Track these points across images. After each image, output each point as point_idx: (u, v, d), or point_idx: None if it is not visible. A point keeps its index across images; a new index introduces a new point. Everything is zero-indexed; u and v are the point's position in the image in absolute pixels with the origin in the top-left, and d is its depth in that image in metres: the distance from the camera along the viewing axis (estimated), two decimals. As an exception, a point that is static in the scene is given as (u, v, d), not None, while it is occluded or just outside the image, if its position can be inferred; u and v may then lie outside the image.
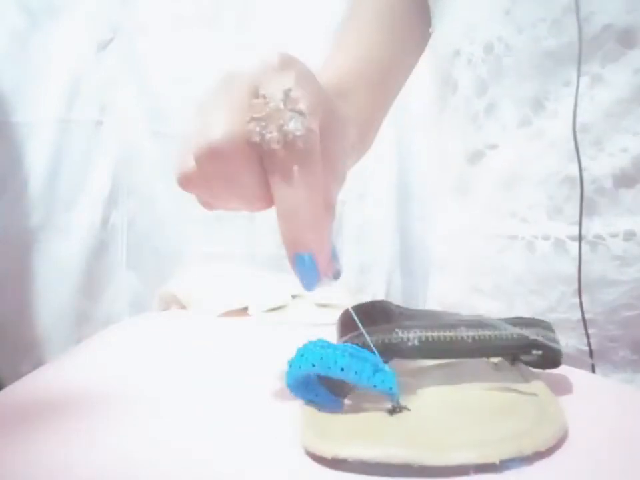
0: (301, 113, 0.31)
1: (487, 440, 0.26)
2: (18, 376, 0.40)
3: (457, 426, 0.28)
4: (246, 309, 0.63)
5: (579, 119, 0.46)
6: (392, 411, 0.29)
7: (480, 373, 0.35)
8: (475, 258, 0.55)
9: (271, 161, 0.31)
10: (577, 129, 0.46)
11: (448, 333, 0.34)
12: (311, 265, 0.31)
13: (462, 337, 0.34)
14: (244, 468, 0.27)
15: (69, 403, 0.34)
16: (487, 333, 0.34)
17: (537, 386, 0.33)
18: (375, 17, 0.59)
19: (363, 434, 0.28)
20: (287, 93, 0.31)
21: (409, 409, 0.29)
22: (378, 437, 0.27)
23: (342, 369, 0.29)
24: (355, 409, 0.31)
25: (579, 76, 0.46)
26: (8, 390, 0.38)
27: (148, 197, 1.23)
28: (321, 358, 0.30)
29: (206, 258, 1.20)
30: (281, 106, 0.31)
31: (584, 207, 0.46)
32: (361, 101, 0.54)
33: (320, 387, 0.31)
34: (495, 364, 0.37)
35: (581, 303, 0.47)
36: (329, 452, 0.26)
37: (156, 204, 1.23)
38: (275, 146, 0.31)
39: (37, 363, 0.47)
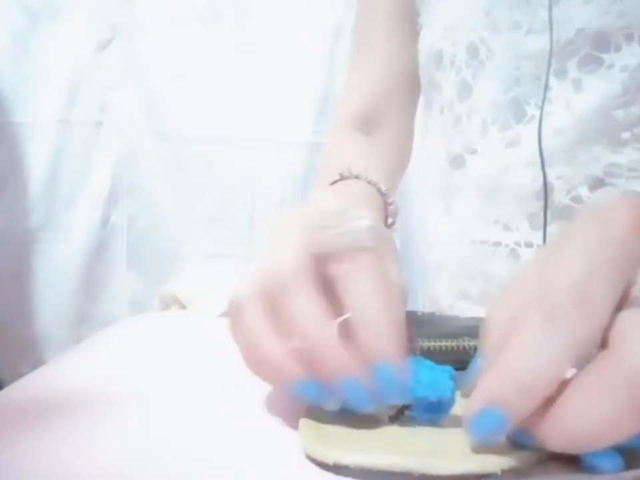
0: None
1: (488, 450, 0.26)
2: (18, 376, 0.40)
3: (458, 435, 0.28)
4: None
5: (553, 125, 0.47)
6: (394, 418, 0.29)
7: None
8: (463, 264, 0.55)
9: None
10: (550, 135, 0.47)
11: (450, 343, 0.34)
12: (390, 376, 0.27)
13: (464, 347, 0.34)
14: (244, 468, 0.27)
15: (68, 402, 0.34)
16: None
17: None
18: (391, 21, 0.61)
19: (364, 440, 0.28)
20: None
21: (412, 414, 0.29)
22: (379, 444, 0.27)
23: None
24: (357, 414, 0.31)
25: (546, 83, 0.46)
26: (8, 390, 0.38)
27: (148, 197, 1.23)
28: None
29: (206, 258, 1.20)
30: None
31: (563, 215, 0.47)
32: (397, 123, 0.60)
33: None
34: None
35: None
36: (330, 458, 0.26)
37: (156, 204, 1.23)
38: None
39: (37, 363, 0.47)
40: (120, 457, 0.27)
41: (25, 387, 0.38)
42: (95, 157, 1.22)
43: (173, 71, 1.20)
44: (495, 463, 0.25)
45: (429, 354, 0.33)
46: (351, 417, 0.30)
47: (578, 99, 0.46)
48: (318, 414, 0.30)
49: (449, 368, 0.29)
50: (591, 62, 0.45)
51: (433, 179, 0.60)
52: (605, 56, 0.45)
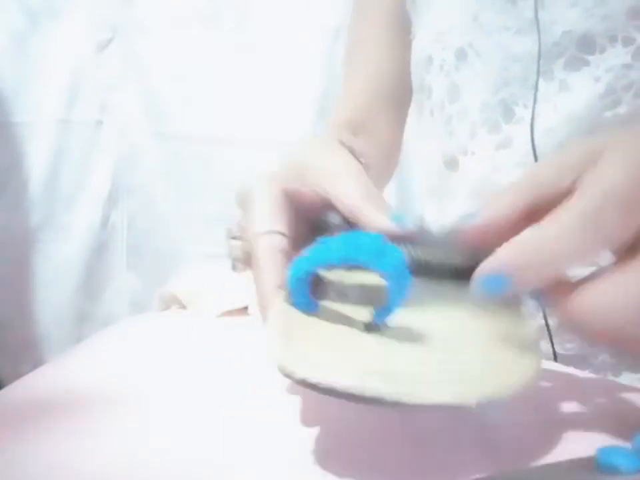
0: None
1: (465, 376, 0.25)
2: (18, 376, 0.40)
3: (436, 355, 0.26)
4: (246, 308, 0.63)
5: (543, 125, 0.47)
6: (369, 327, 0.27)
7: (471, 301, 0.31)
8: None
9: None
10: (541, 134, 0.47)
11: (439, 256, 0.31)
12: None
13: (454, 261, 0.30)
14: (244, 468, 0.27)
15: (68, 402, 0.34)
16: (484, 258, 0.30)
17: (526, 325, 0.29)
18: (382, 30, 0.61)
19: (336, 355, 0.26)
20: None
21: (387, 326, 0.27)
22: (352, 362, 0.25)
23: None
24: (330, 318, 0.28)
25: (537, 84, 0.47)
26: (8, 390, 0.38)
27: (148, 197, 1.23)
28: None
29: (206, 258, 1.20)
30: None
31: None
32: (383, 133, 0.60)
33: (308, 288, 0.28)
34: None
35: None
36: (298, 374, 0.24)
37: (156, 204, 1.23)
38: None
39: (37, 363, 0.47)
40: (120, 456, 0.27)
41: (25, 387, 0.38)
42: (95, 157, 1.22)
43: (173, 70, 1.20)
44: (471, 392, 0.23)
45: (416, 262, 0.30)
46: (324, 321, 0.28)
47: (565, 99, 0.47)
48: (290, 319, 0.28)
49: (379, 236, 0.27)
50: (577, 63, 0.46)
51: (428, 181, 0.60)
52: (590, 57, 0.46)
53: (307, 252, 0.28)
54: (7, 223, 1.19)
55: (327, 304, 0.29)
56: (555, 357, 0.48)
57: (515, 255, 0.25)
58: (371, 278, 0.29)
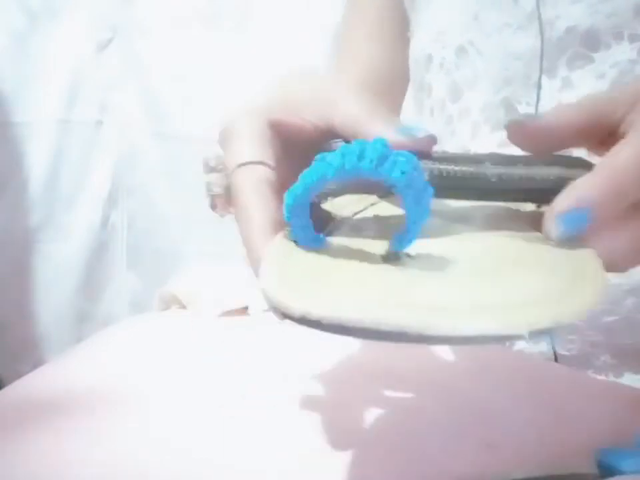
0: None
1: (512, 302, 0.20)
2: (18, 376, 0.40)
3: (474, 283, 0.22)
4: (246, 308, 0.63)
5: None
6: (387, 257, 0.23)
7: (507, 220, 0.28)
8: None
9: None
10: None
11: (468, 168, 0.27)
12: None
13: (485, 174, 0.27)
14: (244, 468, 0.27)
15: (68, 402, 0.34)
16: (518, 171, 0.27)
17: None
18: (374, 28, 0.61)
19: (344, 287, 0.21)
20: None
21: (410, 256, 0.23)
22: (366, 294, 0.21)
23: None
24: (339, 253, 0.24)
25: (539, 82, 0.47)
26: (8, 390, 0.38)
27: (148, 197, 1.23)
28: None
29: (206, 258, 1.19)
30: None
31: None
32: None
33: (309, 216, 0.24)
34: (529, 213, 0.29)
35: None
36: (297, 309, 0.20)
37: (156, 204, 1.23)
38: None
39: (37, 363, 0.47)
40: (120, 456, 0.27)
41: (25, 387, 0.38)
42: (95, 157, 1.22)
43: (173, 70, 1.20)
44: (521, 320, 0.19)
45: (440, 179, 0.27)
46: (332, 257, 0.24)
47: (568, 96, 0.46)
48: (290, 255, 0.24)
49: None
50: (581, 60, 0.46)
51: None
52: (595, 54, 0.45)
53: (301, 174, 0.24)
54: (6, 223, 1.19)
55: (336, 240, 0.25)
56: (556, 358, 0.48)
57: (597, 187, 0.25)
58: (386, 209, 0.26)
